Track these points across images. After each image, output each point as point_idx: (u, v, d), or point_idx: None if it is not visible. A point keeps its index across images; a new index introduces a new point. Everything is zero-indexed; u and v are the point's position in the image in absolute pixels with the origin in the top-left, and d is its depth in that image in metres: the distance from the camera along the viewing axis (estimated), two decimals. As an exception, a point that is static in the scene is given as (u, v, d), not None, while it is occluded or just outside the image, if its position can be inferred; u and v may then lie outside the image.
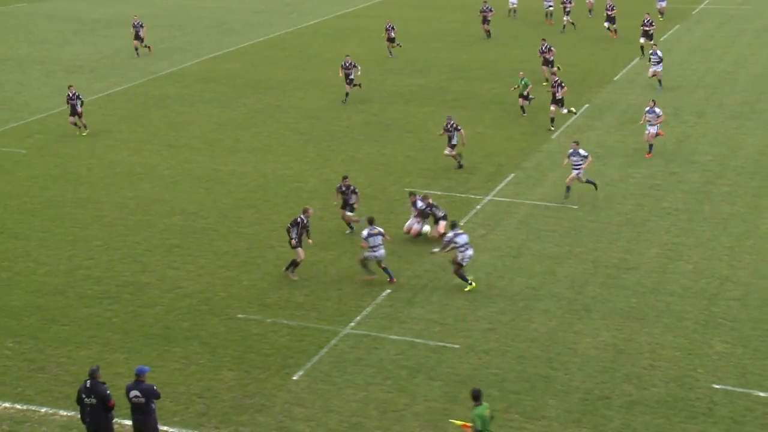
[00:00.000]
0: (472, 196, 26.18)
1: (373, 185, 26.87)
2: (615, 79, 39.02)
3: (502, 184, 27.05)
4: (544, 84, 36.66)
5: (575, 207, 25.34)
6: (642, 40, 41.83)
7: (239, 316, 19.67)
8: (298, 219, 21.36)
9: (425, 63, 41.77)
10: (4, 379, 17.32)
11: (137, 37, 41.93)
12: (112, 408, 14.60)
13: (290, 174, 28.03)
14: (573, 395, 16.85)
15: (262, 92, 37.20)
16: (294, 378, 17.42)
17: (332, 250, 22.70)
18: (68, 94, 31.07)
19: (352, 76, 34.62)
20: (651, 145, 29.15)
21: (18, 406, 16.52)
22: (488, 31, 46.52)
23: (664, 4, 50.58)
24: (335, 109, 34.96)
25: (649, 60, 36.84)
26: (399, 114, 34.11)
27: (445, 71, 40.30)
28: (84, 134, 31.07)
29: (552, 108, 31.78)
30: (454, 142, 27.78)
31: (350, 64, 34.43)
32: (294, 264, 21.35)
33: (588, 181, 26.02)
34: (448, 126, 27.78)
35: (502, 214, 25.03)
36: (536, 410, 16.43)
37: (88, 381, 14.57)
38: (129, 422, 15.08)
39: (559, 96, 31.59)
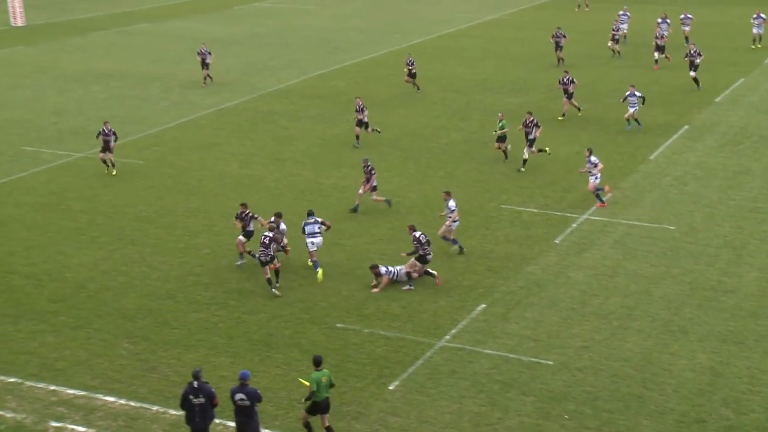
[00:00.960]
0: (569, 215, 25.78)
1: (470, 201, 26.73)
2: (716, 100, 37.94)
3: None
4: (560, 118, 34.77)
5: (672, 228, 24.70)
6: (692, 74, 39.29)
7: (338, 325, 19.78)
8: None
9: (524, 82, 41.42)
10: (120, 377, 17.81)
11: (204, 65, 40.71)
12: (215, 406, 14.89)
13: (390, 189, 28.11)
14: (668, 417, 16.37)
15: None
16: (390, 388, 17.41)
17: (432, 262, 22.63)
18: (103, 130, 28.96)
19: (365, 120, 31.75)
20: (599, 192, 26.09)
21: (132, 404, 16.96)
22: (561, 59, 44.11)
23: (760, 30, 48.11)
24: (435, 126, 34.96)
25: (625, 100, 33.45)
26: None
27: (543, 91, 39.88)
28: (113, 174, 29.06)
29: (527, 150, 29.08)
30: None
31: (361, 107, 31.72)
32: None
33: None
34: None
35: (598, 233, 24.56)
36: (630, 430, 16.02)
37: (195, 382, 14.86)
38: (232, 424, 15.30)
39: (531, 136, 29.10)
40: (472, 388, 17.32)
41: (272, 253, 21.11)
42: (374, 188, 26.03)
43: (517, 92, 39.80)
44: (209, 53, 40.85)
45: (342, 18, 60.26)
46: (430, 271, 21.73)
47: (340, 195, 27.66)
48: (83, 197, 27.34)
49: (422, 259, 21.56)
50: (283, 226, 22.55)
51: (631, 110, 33.20)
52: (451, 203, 22.97)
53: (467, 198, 27.01)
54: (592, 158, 26.13)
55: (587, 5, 62.01)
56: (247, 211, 22.62)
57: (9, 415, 16.56)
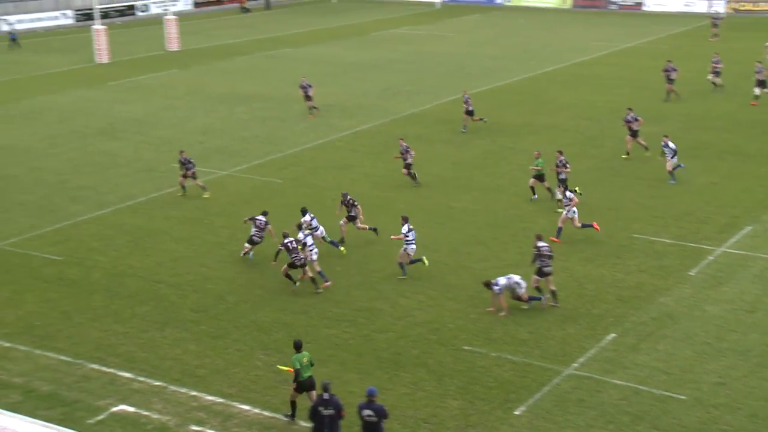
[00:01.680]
0: (704, 246, 24.79)
1: (600, 230, 26.06)
2: None
3: (738, 236, 25.43)
4: (624, 156, 33.06)
5: (814, 263, 23.40)
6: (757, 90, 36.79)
7: (465, 347, 19.58)
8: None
9: (659, 111, 40.25)
10: (255, 387, 18.15)
11: (307, 97, 40.20)
12: (342, 418, 15.00)
13: (519, 214, 27.75)
14: (806, 460, 15.43)
15: (496, 134, 37.22)
16: (516, 413, 17.08)
17: (558, 290, 22.15)
18: (180, 159, 29.20)
19: (409, 161, 30.35)
20: (560, 229, 25.19)
21: (266, 413, 17.24)
22: (672, 92, 41.82)
23: None
24: (567, 153, 34.32)
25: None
26: (629, 161, 32.99)
27: (680, 120, 38.66)
28: (179, 195, 29.35)
29: (559, 191, 27.50)
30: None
31: (405, 148, 30.22)
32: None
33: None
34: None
35: (736, 266, 23.50)
36: (765, 471, 15.17)
37: (325, 394, 15.00)
38: (359, 439, 15.35)
39: (563, 176, 27.91)
40: (600, 419, 16.79)
41: (302, 257, 22.10)
42: (353, 219, 25.07)
43: (652, 120, 38.70)
44: (310, 86, 40.39)
45: (476, 44, 60.21)
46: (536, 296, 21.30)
47: (470, 219, 27.49)
48: (225, 213, 28.13)
49: (540, 272, 21.37)
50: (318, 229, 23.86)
51: (669, 161, 29.87)
52: (405, 228, 22.80)
53: (598, 226, 26.34)
54: (568, 193, 25.41)
55: (717, 34, 59.89)
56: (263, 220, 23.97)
57: (155, 416, 17.13)
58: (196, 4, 78.61)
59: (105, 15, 68.04)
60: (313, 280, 22.31)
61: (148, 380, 18.31)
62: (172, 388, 18.07)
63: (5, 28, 63.80)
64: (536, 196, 28.77)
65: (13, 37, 57.28)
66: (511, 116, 40.21)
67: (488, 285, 21.04)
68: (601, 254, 24.34)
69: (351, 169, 32.74)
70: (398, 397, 17.64)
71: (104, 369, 18.74)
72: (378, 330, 20.47)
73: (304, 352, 16.65)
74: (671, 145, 29.90)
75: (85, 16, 68.52)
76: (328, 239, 24.69)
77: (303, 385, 16.59)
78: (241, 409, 17.36)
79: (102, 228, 26.76)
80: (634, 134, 32.90)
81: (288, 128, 38.83)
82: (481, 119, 37.62)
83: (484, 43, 61.04)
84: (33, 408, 17.17)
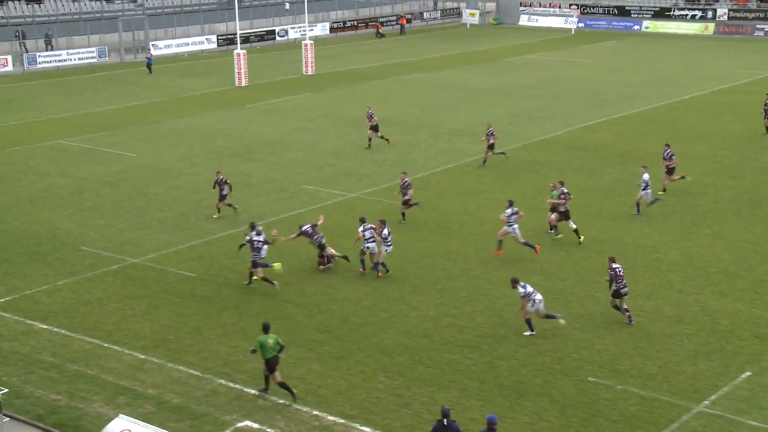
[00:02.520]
0: None
1: (737, 263, 25.02)
2: None
3: None
4: (660, 194, 31.42)
5: None
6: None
7: (590, 379, 19.11)
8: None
9: (804, 141, 38.43)
10: (376, 409, 18.24)
11: (372, 127, 39.14)
12: (462, 445, 14.87)
13: (650, 244, 26.96)
14: None
15: (629, 162, 36.34)
16: (641, 450, 16.52)
17: (689, 324, 21.34)
18: (216, 179, 29.72)
19: (408, 197, 29.40)
20: (500, 242, 25.75)
21: (384, 436, 17.30)
22: None
23: None
24: (703, 183, 33.21)
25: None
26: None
27: (826, 150, 36.77)
28: (215, 216, 29.73)
29: (552, 217, 27.46)
30: None
31: (406, 184, 29.21)
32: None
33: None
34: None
35: None
36: None
37: (444, 420, 14.90)
38: (478, 468, 15.16)
39: (563, 209, 27.14)
40: (730, 461, 16.05)
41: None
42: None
43: (795, 151, 36.96)
44: (373, 116, 39.31)
45: (611, 71, 59.09)
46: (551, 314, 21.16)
47: (598, 247, 26.89)
48: (352, 235, 28.49)
49: (617, 294, 21.41)
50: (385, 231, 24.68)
51: (641, 192, 29.42)
52: (385, 231, 24.61)
53: (735, 259, 25.31)
54: (510, 209, 25.83)
55: None
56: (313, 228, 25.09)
57: (275, 433, 17.46)
58: (333, 30, 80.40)
59: (246, 40, 70.46)
60: (265, 279, 23.63)
61: (272, 398, 18.67)
62: (295, 406, 18.36)
63: (155, 52, 66.96)
64: (553, 231, 27.70)
65: (149, 63, 59.89)
66: (645, 144, 39.18)
67: (515, 283, 20.99)
68: (738, 288, 23.33)
69: (478, 194, 32.61)
70: (519, 426, 17.37)
71: (231, 385, 19.25)
72: (501, 357, 20.24)
73: (271, 335, 18.40)
74: (645, 177, 29.21)
75: (227, 41, 71.14)
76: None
77: (269, 364, 18.34)
78: (362, 430, 17.47)
79: (234, 246, 27.56)
80: (669, 172, 31.65)
81: (417, 152, 39.06)
82: (502, 153, 36.56)
83: (619, 69, 59.84)
84: (164, 419, 17.79)
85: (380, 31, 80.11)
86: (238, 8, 58.46)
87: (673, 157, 31.86)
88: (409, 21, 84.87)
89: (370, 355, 20.52)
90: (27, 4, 68.82)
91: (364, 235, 24.87)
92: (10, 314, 22.76)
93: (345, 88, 54.67)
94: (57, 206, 31.14)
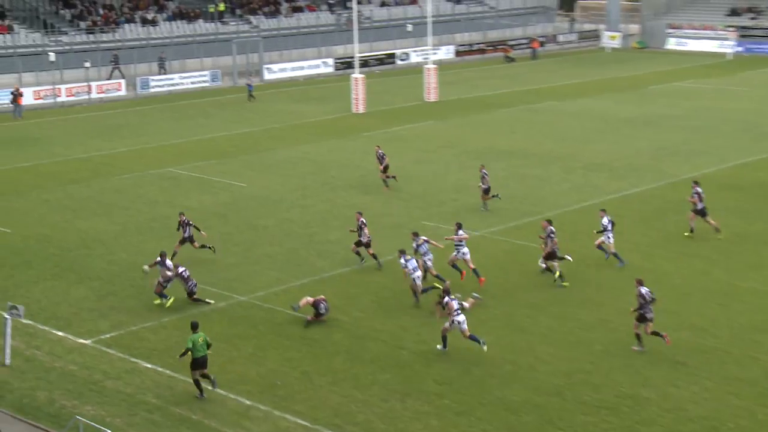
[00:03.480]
0: None
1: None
2: None
3: None
4: (687, 234, 31.15)
5: None
6: None
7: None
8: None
9: None
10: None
11: (383, 168, 38.22)
12: None
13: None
14: None
15: (792, 204, 34.78)
16: None
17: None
18: (180, 221, 29.61)
19: (365, 240, 28.93)
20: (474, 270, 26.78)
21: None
22: None
23: None
24: None
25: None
26: None
27: None
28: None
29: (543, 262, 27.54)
30: None
31: (361, 223, 28.77)
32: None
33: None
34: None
35: None
36: None
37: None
38: None
39: (549, 249, 27.17)
40: None
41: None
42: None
43: None
44: (384, 156, 38.46)
45: (771, 101, 57.05)
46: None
47: (759, 301, 25.68)
48: (474, 277, 28.12)
49: (642, 318, 22.29)
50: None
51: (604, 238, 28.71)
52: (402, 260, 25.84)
53: None
54: (460, 232, 27.18)
55: None
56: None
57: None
58: (458, 53, 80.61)
59: (364, 63, 71.36)
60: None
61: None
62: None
63: (269, 76, 68.59)
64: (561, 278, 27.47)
65: (250, 89, 61.04)
66: (812, 184, 37.44)
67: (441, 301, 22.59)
68: None
69: (617, 237, 31.72)
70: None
71: (341, 437, 19.12)
72: (643, 422, 19.43)
73: (200, 333, 20.65)
74: (605, 221, 28.52)
75: (345, 64, 72.20)
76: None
77: (197, 362, 20.50)
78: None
79: (347, 286, 27.60)
80: (699, 212, 31.14)
81: (548, 188, 38.45)
82: (495, 196, 35.21)
83: (780, 98, 57.71)
84: (267, 471, 17.79)
85: (510, 55, 79.87)
86: (358, 30, 59.30)
87: (703, 195, 31.45)
88: (542, 44, 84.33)
89: (493, 411, 20.04)
90: (142, 26, 71.76)
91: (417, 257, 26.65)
92: (115, 351, 23.35)
93: (470, 117, 54.56)
94: (164, 237, 31.95)
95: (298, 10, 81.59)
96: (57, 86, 59.64)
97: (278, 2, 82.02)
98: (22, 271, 28.89)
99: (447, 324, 22.61)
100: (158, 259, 26.13)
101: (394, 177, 38.57)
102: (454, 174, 40.94)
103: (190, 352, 20.57)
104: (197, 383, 20.69)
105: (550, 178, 39.96)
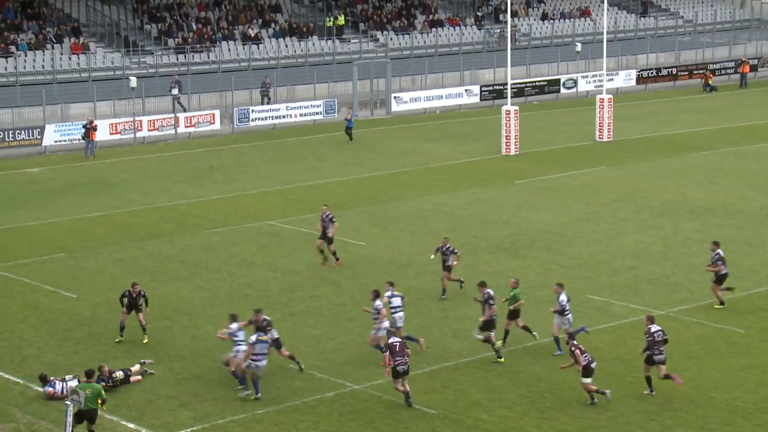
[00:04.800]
0: None
1: None
2: None
3: None
4: (717, 307, 32.03)
5: None
6: None
7: None
8: None
9: None
10: None
11: (325, 236, 37.05)
12: None
13: None
14: None
15: None
16: None
17: None
18: (129, 292, 30.25)
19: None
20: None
21: None
22: None
23: None
24: None
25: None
26: None
27: None
28: (144, 341, 29.99)
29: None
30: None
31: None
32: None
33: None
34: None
35: None
36: None
37: None
38: None
39: (485, 318, 28.70)
40: None
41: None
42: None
43: None
44: (332, 221, 36.97)
45: None
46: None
47: None
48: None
49: (649, 360, 25.79)
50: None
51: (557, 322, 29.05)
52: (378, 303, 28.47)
53: None
54: (377, 302, 28.48)
55: None
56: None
57: None
58: (641, 80, 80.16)
59: (519, 92, 71.75)
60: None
61: None
62: None
63: (398, 108, 69.66)
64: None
65: (350, 126, 61.15)
66: None
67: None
68: None
69: None
70: None
71: None
72: None
73: (93, 383, 23.44)
74: (563, 298, 28.79)
75: (494, 93, 72.76)
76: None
77: (81, 415, 23.06)
78: None
79: (491, 375, 27.61)
80: (718, 280, 32.39)
81: (758, 256, 37.74)
82: (458, 280, 34.19)
83: None
84: None
85: (710, 82, 78.99)
86: (511, 50, 59.75)
87: (720, 257, 32.39)
88: (754, 68, 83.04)
89: None
90: (243, 44, 74.13)
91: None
92: (197, 450, 24.06)
93: (654, 162, 54.09)
94: (263, 308, 32.67)
95: (436, 24, 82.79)
96: (137, 118, 62.04)
97: (412, 14, 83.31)
98: (88, 347, 30.02)
99: None
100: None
101: (336, 258, 37.14)
102: (632, 235, 40.62)
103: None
104: None
105: (763, 244, 39.20)
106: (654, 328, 26.03)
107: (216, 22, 76.09)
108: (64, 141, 59.40)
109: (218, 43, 73.20)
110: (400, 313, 29.26)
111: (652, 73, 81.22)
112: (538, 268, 36.84)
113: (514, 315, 29.48)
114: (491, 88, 73.67)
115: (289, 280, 35.74)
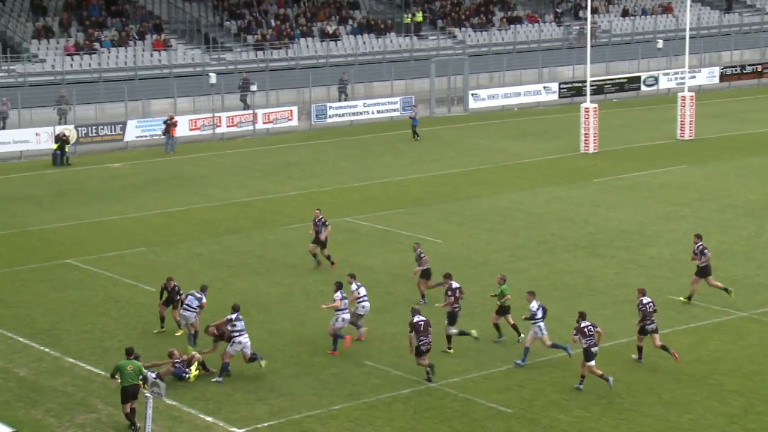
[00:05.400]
0: None
1: None
2: None
3: None
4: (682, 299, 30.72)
5: None
6: None
7: None
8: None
9: None
10: None
11: (317, 240, 36.58)
12: None
13: None
14: None
15: None
16: None
17: None
18: (166, 285, 31.11)
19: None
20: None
21: None
22: None
23: None
24: None
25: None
26: None
27: None
28: (177, 334, 30.72)
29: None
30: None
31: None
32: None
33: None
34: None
35: None
36: None
37: None
38: None
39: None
40: None
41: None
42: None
43: None
44: (325, 225, 36.44)
45: None
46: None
47: None
48: (740, 372, 27.43)
49: (643, 330, 27.84)
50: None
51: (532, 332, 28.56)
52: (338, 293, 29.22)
53: None
54: (338, 293, 29.22)
55: None
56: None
57: None
58: (724, 77, 79.12)
59: (598, 89, 71.29)
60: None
61: None
62: None
63: (475, 104, 69.58)
64: (503, 336, 29.89)
65: (415, 124, 60.93)
66: None
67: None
68: None
69: None
70: None
71: None
72: None
73: (133, 361, 24.31)
74: (533, 306, 28.37)
75: (573, 90, 72.37)
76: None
77: (126, 392, 24.09)
78: None
79: (567, 375, 27.47)
80: (701, 273, 32.72)
81: (844, 256, 37.09)
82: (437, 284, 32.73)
83: None
84: None
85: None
86: (590, 47, 59.36)
87: (706, 252, 32.79)
88: None
89: None
90: (321, 41, 74.51)
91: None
92: (274, 444, 24.23)
93: (738, 161, 53.44)
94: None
95: (515, 21, 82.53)
96: (217, 114, 62.66)
97: (491, 11, 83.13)
98: (167, 340, 30.34)
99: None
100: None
101: (331, 262, 36.38)
102: (714, 235, 40.08)
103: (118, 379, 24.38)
104: (128, 416, 24.26)
105: None
106: (645, 299, 27.96)
107: (294, 18, 76.52)
108: (145, 137, 60.24)
109: (296, 39, 73.63)
110: (366, 303, 30.29)
111: (736, 70, 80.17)
112: (616, 267, 36.54)
113: (502, 311, 29.81)
114: (570, 85, 73.30)
115: (365, 276, 35.71)
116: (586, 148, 56.30)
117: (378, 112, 67.42)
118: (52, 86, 63.46)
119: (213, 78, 65.30)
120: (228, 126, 62.89)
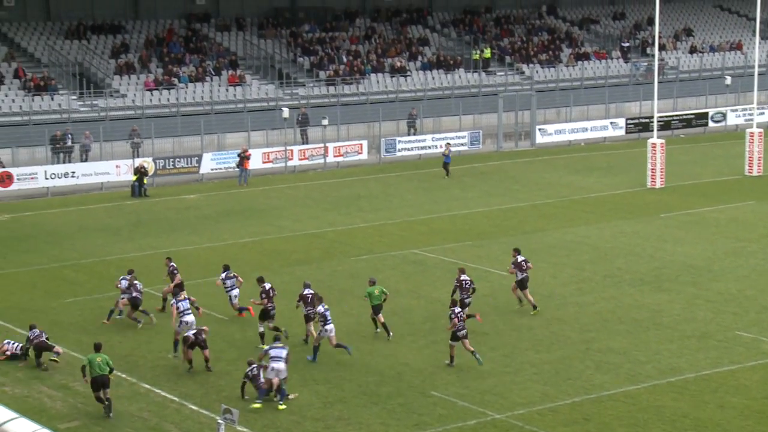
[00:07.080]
0: None
1: None
2: None
3: None
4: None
5: None
6: None
7: None
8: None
9: None
10: None
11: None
12: None
13: None
14: None
15: None
16: None
17: None
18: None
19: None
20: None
21: None
22: None
23: None
24: None
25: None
26: None
27: None
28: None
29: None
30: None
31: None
32: None
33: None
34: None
35: None
36: None
37: None
38: None
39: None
40: None
41: None
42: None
43: None
44: (175, 273, 36.09)
45: None
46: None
47: None
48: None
49: (462, 303, 31.07)
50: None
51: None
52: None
53: None
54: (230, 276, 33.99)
55: None
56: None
57: None
58: (792, 114, 78.05)
59: (665, 125, 70.68)
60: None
61: None
62: None
63: (542, 140, 69.34)
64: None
65: (447, 161, 60.44)
66: None
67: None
68: None
69: None
70: None
71: None
72: None
73: (102, 354, 26.82)
74: (320, 309, 30.99)
75: (640, 126, 71.83)
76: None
77: (96, 381, 26.59)
78: None
79: (633, 409, 27.17)
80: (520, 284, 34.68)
81: None
82: (277, 329, 32.13)
83: None
84: None
85: None
86: (658, 83, 58.95)
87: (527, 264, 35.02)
88: None
89: None
90: (391, 76, 74.84)
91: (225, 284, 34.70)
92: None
93: (805, 196, 52.64)
94: (406, 335, 32.82)
95: (583, 57, 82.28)
96: (289, 147, 63.10)
97: (558, 48, 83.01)
98: (238, 367, 30.48)
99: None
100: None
101: (196, 307, 32.98)
102: (782, 271, 39.56)
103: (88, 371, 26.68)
104: (100, 399, 26.82)
105: None
106: (463, 276, 32.90)
107: (366, 54, 76.91)
108: (220, 169, 60.75)
109: (367, 75, 73.98)
110: (236, 291, 34.75)
111: (809, 105, 78.97)
112: (683, 302, 36.11)
113: (377, 310, 32.59)
114: (637, 120, 72.77)
115: (432, 308, 35.72)
116: (653, 183, 55.83)
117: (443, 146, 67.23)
118: (132, 120, 64.39)
119: (286, 112, 65.80)
120: (300, 159, 63.30)
